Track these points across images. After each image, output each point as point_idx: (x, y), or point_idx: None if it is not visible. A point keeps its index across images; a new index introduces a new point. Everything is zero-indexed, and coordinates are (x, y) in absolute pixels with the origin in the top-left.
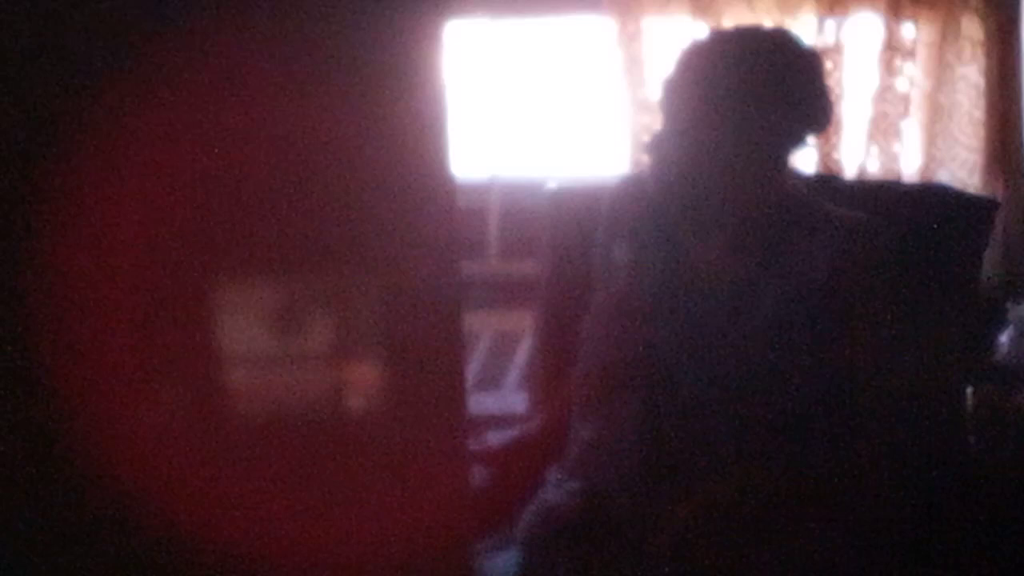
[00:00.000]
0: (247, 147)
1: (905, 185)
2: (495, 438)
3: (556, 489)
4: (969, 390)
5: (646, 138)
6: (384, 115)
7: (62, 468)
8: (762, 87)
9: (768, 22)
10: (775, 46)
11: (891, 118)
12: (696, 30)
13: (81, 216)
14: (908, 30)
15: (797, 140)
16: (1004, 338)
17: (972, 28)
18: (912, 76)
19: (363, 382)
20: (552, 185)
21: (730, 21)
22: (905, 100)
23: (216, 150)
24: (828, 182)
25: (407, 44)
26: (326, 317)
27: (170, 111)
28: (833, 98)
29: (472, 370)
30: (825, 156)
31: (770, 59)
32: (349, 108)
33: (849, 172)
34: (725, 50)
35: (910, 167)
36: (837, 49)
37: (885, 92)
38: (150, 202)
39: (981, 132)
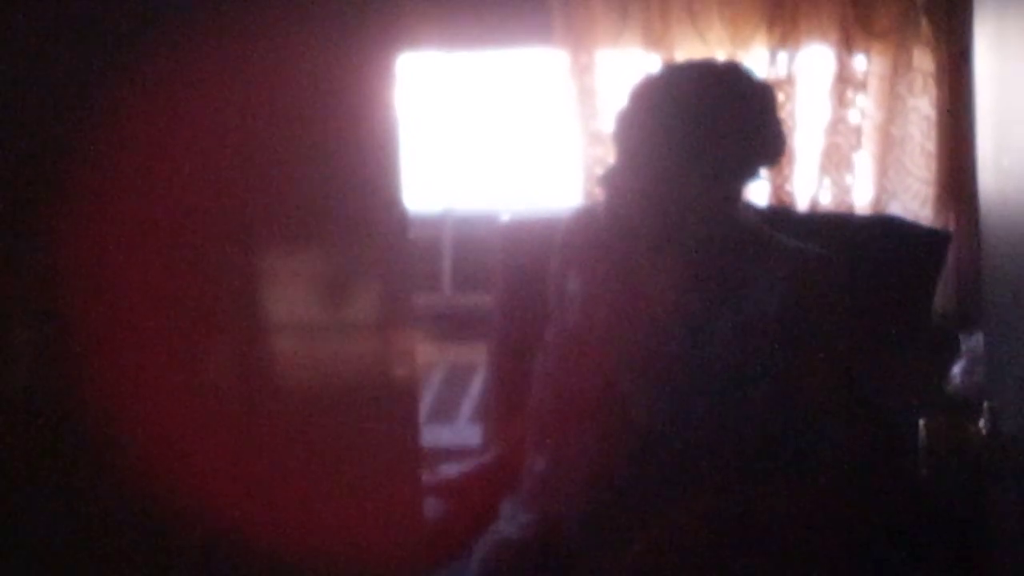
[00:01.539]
0: (200, 176)
1: (857, 217)
2: (449, 470)
3: (510, 521)
4: (922, 422)
5: (599, 170)
6: (337, 148)
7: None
8: (715, 120)
9: (720, 55)
10: (728, 79)
11: (843, 150)
12: (648, 63)
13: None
14: (860, 62)
15: (750, 172)
16: (956, 369)
17: (924, 60)
18: (864, 108)
19: (316, 414)
20: (505, 217)
21: (682, 54)
22: (857, 132)
23: (165, 182)
24: (781, 214)
25: (360, 78)
26: (277, 349)
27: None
28: (785, 130)
29: (426, 402)
30: (778, 188)
31: (723, 92)
32: (301, 140)
33: (802, 204)
34: (678, 83)
35: (862, 199)
36: (789, 81)
37: (837, 124)
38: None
39: (933, 164)
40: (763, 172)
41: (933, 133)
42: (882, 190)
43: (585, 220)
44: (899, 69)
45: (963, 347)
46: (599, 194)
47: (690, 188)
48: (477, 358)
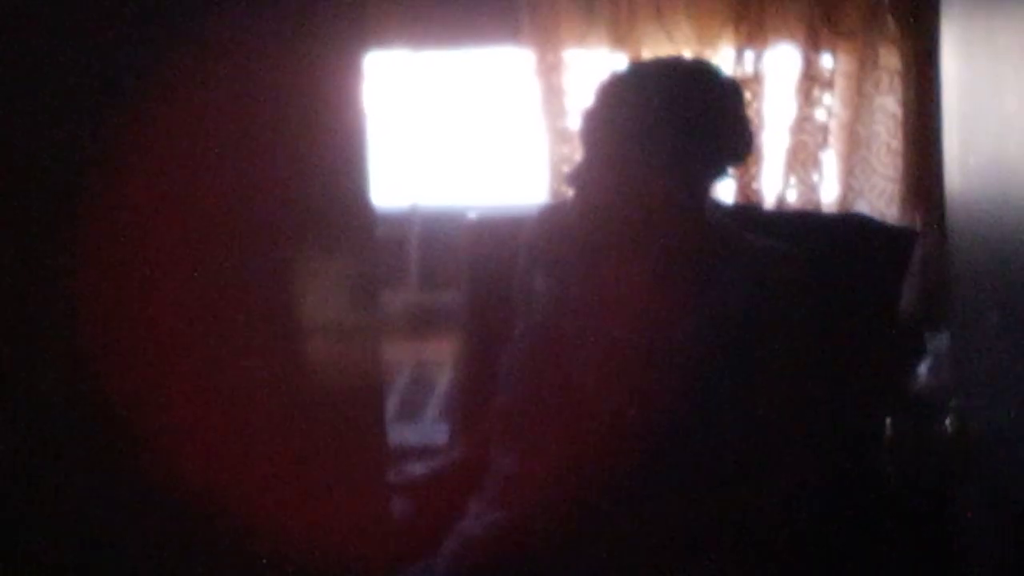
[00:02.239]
0: (168, 174)
1: (824, 215)
2: (415, 469)
3: (476, 521)
4: (888, 420)
5: (566, 168)
6: (304, 145)
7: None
8: (682, 118)
9: (687, 53)
10: (695, 77)
11: (810, 148)
12: (615, 61)
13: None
14: (826, 60)
15: (717, 170)
16: (923, 368)
17: (890, 58)
18: (830, 106)
19: (281, 412)
20: (472, 215)
21: (649, 52)
22: (823, 130)
23: (136, 181)
24: (748, 212)
25: (328, 75)
26: (241, 348)
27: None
28: (753, 129)
29: (392, 401)
30: (745, 186)
31: (690, 90)
32: (269, 138)
33: (768, 202)
34: (645, 81)
35: (829, 197)
36: (756, 80)
37: (803, 122)
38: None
39: (899, 162)
40: (730, 170)
41: (899, 131)
42: (848, 188)
43: (552, 218)
44: (865, 67)
45: (929, 346)
46: (566, 192)
47: (657, 186)
48: (444, 356)
